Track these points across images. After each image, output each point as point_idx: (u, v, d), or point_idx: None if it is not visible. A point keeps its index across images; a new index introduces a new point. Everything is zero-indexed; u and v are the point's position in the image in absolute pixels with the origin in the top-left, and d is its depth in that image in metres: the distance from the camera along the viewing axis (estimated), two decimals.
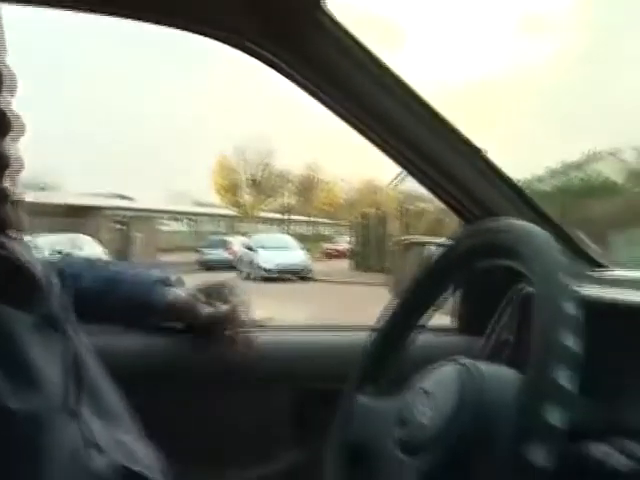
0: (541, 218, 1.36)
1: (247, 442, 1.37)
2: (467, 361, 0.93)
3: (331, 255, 29.31)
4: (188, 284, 1.35)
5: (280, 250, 21.25)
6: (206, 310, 1.29)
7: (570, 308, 0.75)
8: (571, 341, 0.73)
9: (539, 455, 0.69)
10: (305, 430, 1.39)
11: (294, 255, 21.57)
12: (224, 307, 1.30)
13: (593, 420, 0.98)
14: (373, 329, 1.13)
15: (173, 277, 1.34)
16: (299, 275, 20.25)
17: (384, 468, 0.95)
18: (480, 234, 0.98)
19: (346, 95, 1.26)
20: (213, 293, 1.32)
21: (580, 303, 0.76)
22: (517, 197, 1.35)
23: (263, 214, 36.22)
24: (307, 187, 37.24)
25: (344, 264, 24.45)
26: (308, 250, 23.33)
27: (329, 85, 1.25)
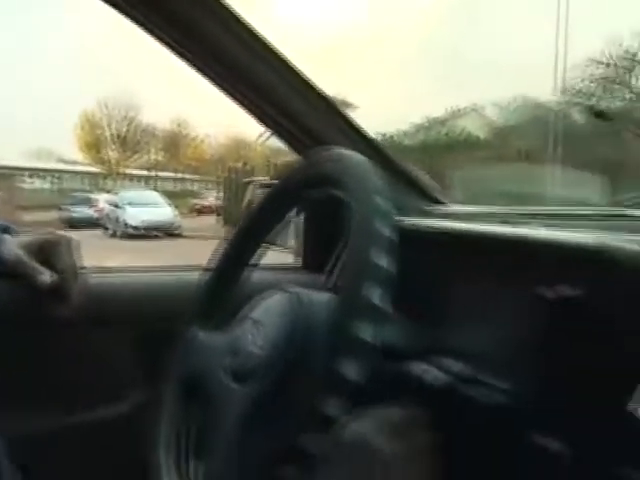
0: (377, 153, 1.38)
1: (89, 384, 1.34)
2: (295, 289, 0.94)
3: (200, 211, 29.02)
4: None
5: (147, 207, 20.87)
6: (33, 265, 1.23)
7: (385, 229, 0.76)
8: (384, 261, 0.74)
9: (351, 370, 0.70)
10: (147, 371, 1.38)
11: (161, 212, 21.25)
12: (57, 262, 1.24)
13: (415, 341, 1.02)
14: (208, 268, 1.13)
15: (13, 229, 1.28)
16: (167, 231, 19.98)
17: (217, 398, 0.95)
18: (308, 165, 0.99)
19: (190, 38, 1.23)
20: (44, 247, 1.26)
21: (395, 226, 0.78)
22: (352, 130, 1.36)
23: (129, 171, 35.29)
24: (174, 143, 36.53)
25: (212, 220, 24.26)
26: (176, 206, 23.01)
27: (176, 31, 1.22)
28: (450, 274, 1.16)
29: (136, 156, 36.22)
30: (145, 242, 18.12)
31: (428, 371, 0.92)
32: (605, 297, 0.80)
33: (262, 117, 1.34)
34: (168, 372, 1.10)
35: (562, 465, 0.84)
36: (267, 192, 1.07)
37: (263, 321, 0.93)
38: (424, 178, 1.51)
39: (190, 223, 22.86)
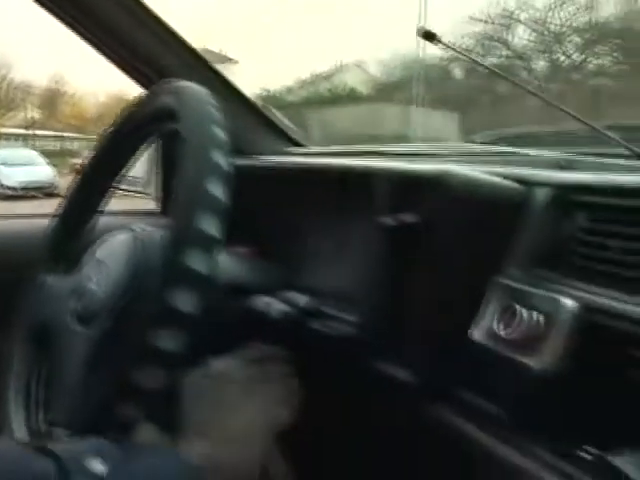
0: (232, 94, 1.36)
1: None
2: (138, 226, 0.92)
3: (80, 170, 27.85)
4: None
5: (24, 166, 19.96)
6: None
7: (220, 160, 0.75)
8: (219, 191, 0.73)
9: (185, 301, 0.69)
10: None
11: (39, 171, 20.37)
12: None
13: (266, 278, 1.02)
14: (55, 215, 1.09)
15: None
16: (45, 192, 19.22)
17: (62, 342, 0.92)
18: (147, 100, 0.96)
19: None
20: None
21: (232, 157, 0.76)
22: (206, 69, 1.33)
23: (4, 130, 33.72)
24: (52, 101, 35.06)
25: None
26: (55, 165, 22.12)
27: None
28: (301, 210, 1.17)
29: (11, 114, 34.59)
30: (22, 203, 17.39)
31: (270, 304, 0.92)
32: (444, 224, 0.82)
33: (107, 52, 1.29)
34: (17, 320, 1.07)
35: (407, 391, 0.86)
36: (107, 132, 1.03)
37: (105, 261, 0.91)
38: (284, 122, 1.51)
39: (70, 182, 22.05)
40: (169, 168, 1.45)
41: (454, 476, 0.84)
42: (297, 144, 1.46)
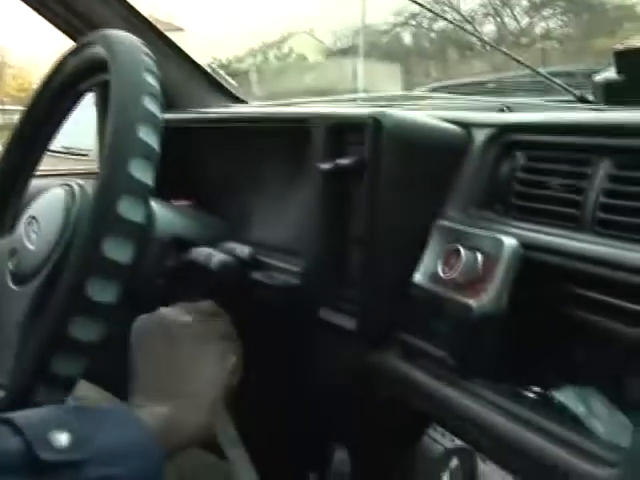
0: (172, 49, 1.33)
1: None
2: (73, 181, 0.90)
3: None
4: None
5: None
6: None
7: (151, 106, 0.72)
8: (151, 138, 0.71)
9: (118, 250, 0.67)
10: None
11: None
12: None
13: (208, 231, 1.01)
14: None
15: None
16: None
17: (2, 303, 0.90)
18: (78, 51, 0.92)
19: None
20: None
21: (161, 101, 0.74)
22: (143, 23, 1.30)
23: None
24: None
25: None
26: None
27: None
28: (240, 162, 1.16)
29: None
30: None
31: (210, 255, 0.90)
32: (383, 167, 0.80)
33: (37, 6, 1.24)
34: None
35: (351, 338, 0.85)
36: (37, 88, 1.00)
37: (38, 217, 0.89)
38: (227, 79, 1.48)
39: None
40: (104, 124, 1.42)
41: (401, 422, 0.84)
42: (240, 101, 1.44)
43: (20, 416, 0.59)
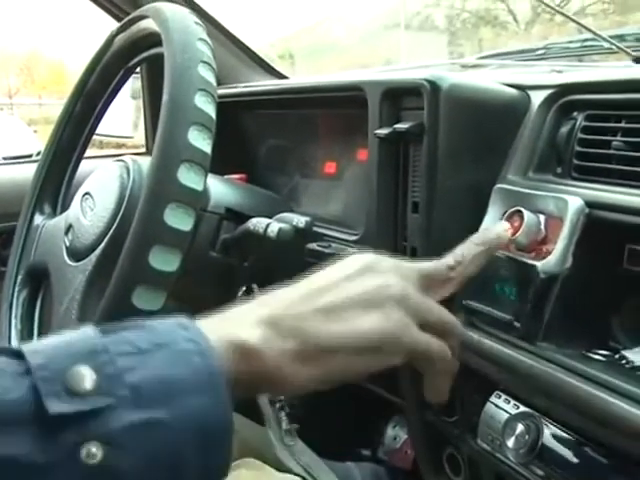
0: (217, 29, 1.33)
1: None
2: (128, 157, 0.90)
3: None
4: None
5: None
6: None
7: (207, 74, 0.72)
8: (208, 106, 0.71)
9: (178, 218, 0.67)
10: None
11: (23, 139, 20.28)
12: None
13: (259, 202, 1.01)
14: (42, 153, 1.07)
15: None
16: (32, 160, 19.13)
17: (59, 280, 0.91)
18: (128, 27, 0.92)
19: None
20: None
21: (217, 74, 0.74)
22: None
23: None
24: (32, 66, 34.55)
25: None
26: (34, 132, 21.93)
27: None
28: (291, 135, 1.15)
29: None
30: None
31: (272, 225, 0.89)
32: (440, 130, 0.79)
33: None
34: (12, 264, 1.05)
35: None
36: (87, 65, 1.00)
37: (93, 193, 0.90)
38: (270, 57, 1.49)
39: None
40: (155, 105, 1.42)
41: (465, 390, 0.83)
42: (281, 77, 1.44)
43: (33, 349, 0.41)
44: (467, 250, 0.60)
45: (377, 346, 0.48)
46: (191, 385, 0.42)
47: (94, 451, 0.38)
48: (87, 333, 0.42)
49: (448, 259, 0.59)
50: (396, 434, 1.29)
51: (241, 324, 0.47)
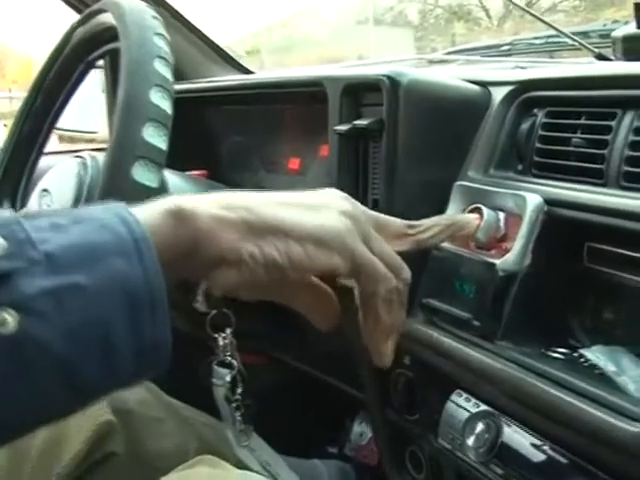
0: (184, 25, 1.31)
1: None
2: (85, 153, 0.89)
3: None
4: None
5: None
6: None
7: (163, 69, 0.71)
8: (163, 102, 0.69)
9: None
10: None
11: None
12: None
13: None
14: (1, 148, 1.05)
15: None
16: None
17: None
18: (86, 20, 0.90)
19: None
20: None
21: (170, 65, 0.72)
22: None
23: None
24: (1, 60, 34.19)
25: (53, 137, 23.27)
26: (4, 126, 21.74)
27: None
28: (252, 130, 1.14)
29: None
30: None
31: None
32: (401, 126, 0.78)
33: None
34: None
35: None
36: (45, 61, 0.98)
37: (51, 189, 0.88)
38: (235, 52, 1.48)
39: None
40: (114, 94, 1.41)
41: (425, 388, 0.82)
42: (248, 72, 1.42)
43: None
44: (429, 220, 0.59)
45: (319, 238, 0.46)
46: (114, 249, 0.39)
47: (7, 318, 0.35)
48: (3, 213, 0.39)
49: (408, 222, 0.57)
50: (362, 430, 1.29)
51: (187, 198, 0.45)
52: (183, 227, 0.43)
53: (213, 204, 0.45)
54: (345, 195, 0.52)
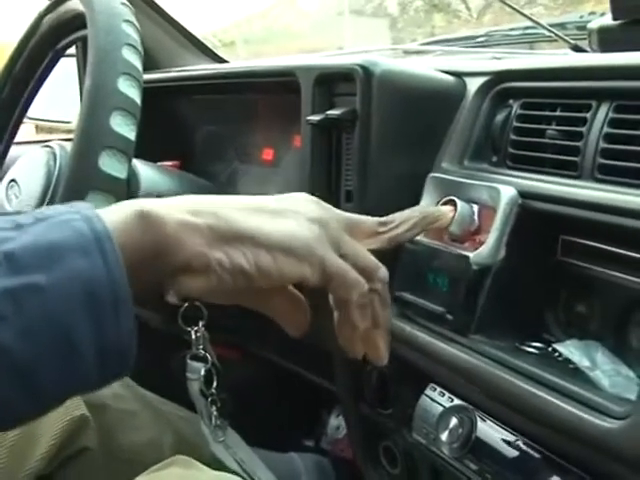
0: (159, 14, 1.29)
1: None
2: (55, 143, 0.87)
3: None
4: None
5: None
6: None
7: (131, 57, 0.70)
8: (131, 90, 0.68)
9: (100, 206, 0.64)
10: None
11: None
12: None
13: (190, 189, 0.98)
14: None
15: None
16: None
17: None
18: (54, 8, 0.88)
19: None
20: None
21: (140, 54, 0.71)
22: None
23: None
24: None
25: (30, 128, 23.12)
26: None
27: None
28: (226, 120, 1.13)
29: None
30: None
31: None
32: (374, 116, 0.77)
33: None
34: None
35: None
36: (14, 49, 0.96)
37: (18, 180, 0.86)
38: (212, 42, 1.46)
39: None
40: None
41: (399, 383, 0.81)
42: (222, 61, 1.41)
43: None
44: (402, 214, 0.58)
45: (288, 247, 0.45)
46: (74, 247, 0.38)
47: None
48: None
49: (381, 218, 0.56)
50: (339, 424, 1.28)
51: (154, 201, 0.44)
52: (149, 231, 0.42)
53: (181, 209, 0.44)
54: (315, 199, 0.51)
